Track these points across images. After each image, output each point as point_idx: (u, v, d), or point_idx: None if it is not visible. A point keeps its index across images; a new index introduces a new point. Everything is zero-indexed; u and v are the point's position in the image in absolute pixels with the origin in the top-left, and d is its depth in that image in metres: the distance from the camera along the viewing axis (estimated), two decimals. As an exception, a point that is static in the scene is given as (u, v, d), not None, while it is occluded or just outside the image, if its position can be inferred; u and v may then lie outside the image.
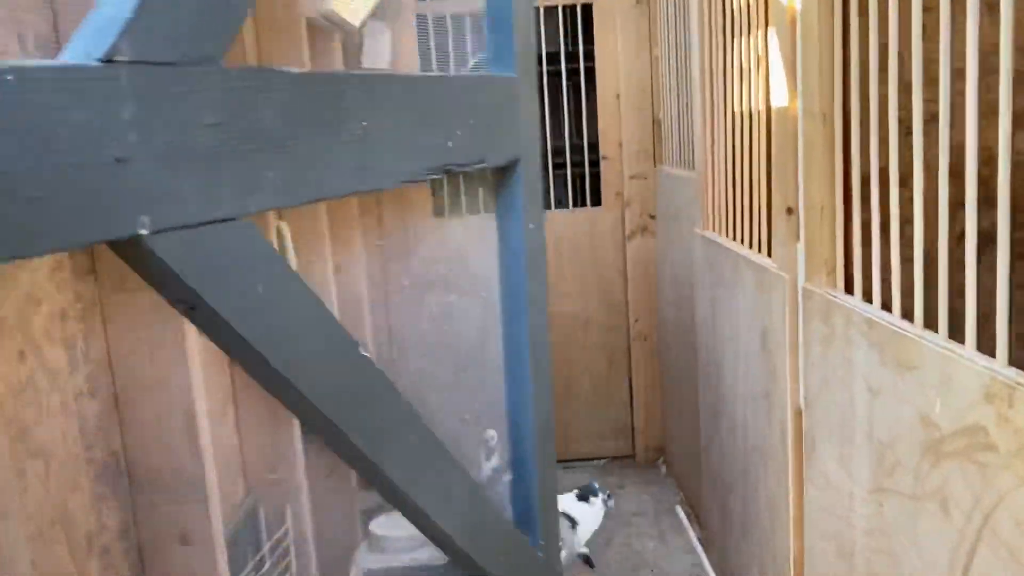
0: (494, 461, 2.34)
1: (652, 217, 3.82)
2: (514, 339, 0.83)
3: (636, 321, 3.95)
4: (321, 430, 0.74)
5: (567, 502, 2.36)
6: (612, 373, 4.04)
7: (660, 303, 3.80)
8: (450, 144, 0.96)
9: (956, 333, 1.26)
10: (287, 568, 2.02)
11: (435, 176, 0.92)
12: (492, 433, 2.37)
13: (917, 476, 1.31)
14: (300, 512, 2.06)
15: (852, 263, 1.64)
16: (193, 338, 1.37)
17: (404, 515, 0.66)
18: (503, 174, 1.18)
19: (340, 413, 0.73)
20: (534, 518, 0.83)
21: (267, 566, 1.92)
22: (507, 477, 2.42)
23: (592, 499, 2.36)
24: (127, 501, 1.38)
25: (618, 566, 3.03)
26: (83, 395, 1.26)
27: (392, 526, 2.52)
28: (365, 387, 0.79)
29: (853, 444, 1.56)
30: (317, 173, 0.74)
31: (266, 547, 1.93)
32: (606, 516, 2.40)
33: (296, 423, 1.96)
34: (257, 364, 0.69)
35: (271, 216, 1.94)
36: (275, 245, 1.93)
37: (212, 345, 1.77)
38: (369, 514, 2.87)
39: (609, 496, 2.32)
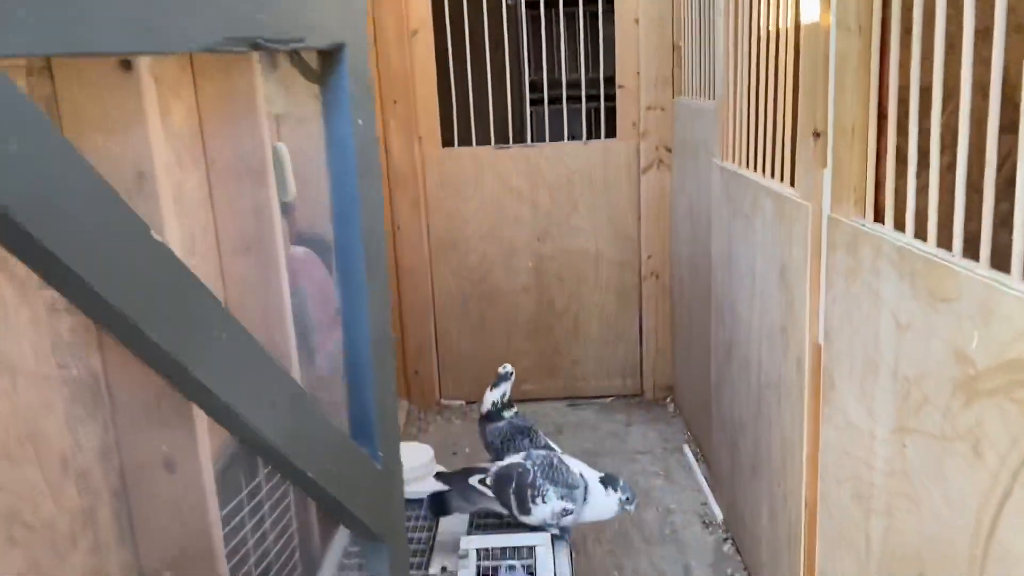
0: (499, 392, 2.27)
1: (668, 150, 3.68)
2: (346, 243, 0.72)
3: (649, 258, 3.85)
4: (107, 319, 0.63)
5: (589, 475, 2.15)
6: (622, 310, 3.96)
7: (674, 239, 3.69)
8: (260, 16, 0.84)
9: (999, 265, 1.16)
10: (284, 495, 1.98)
11: (240, 49, 0.80)
12: (508, 368, 2.30)
13: (947, 415, 1.23)
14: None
15: (883, 189, 1.53)
16: (177, 250, 1.28)
17: (221, 423, 0.56)
18: (328, 62, 1.06)
19: (127, 300, 0.62)
20: (372, 429, 0.75)
21: (263, 493, 1.87)
22: (511, 411, 2.36)
23: (609, 491, 2.13)
24: (108, 423, 1.31)
25: (623, 503, 2.99)
26: (56, 310, 1.18)
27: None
28: (159, 274, 0.68)
29: (876, 381, 1.47)
30: (86, 23, 0.62)
31: (262, 474, 1.88)
32: (616, 515, 2.14)
33: (293, 339, 1.88)
34: (12, 234, 0.58)
35: (267, 132, 1.83)
36: (271, 166, 1.83)
37: (203, 258, 1.67)
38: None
39: (629, 500, 2.08)
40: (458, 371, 4.03)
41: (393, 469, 0.76)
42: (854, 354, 1.57)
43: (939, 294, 1.24)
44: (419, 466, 2.45)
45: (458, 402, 4.04)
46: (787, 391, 1.97)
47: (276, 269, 1.92)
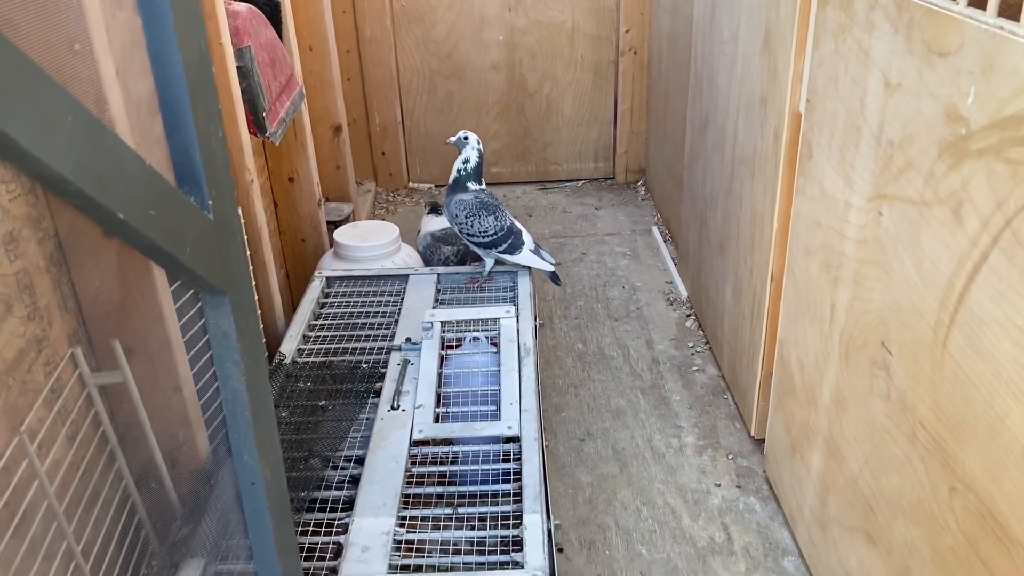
0: (461, 159, 2.19)
1: (652, -92, 3.36)
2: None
3: (627, 32, 3.63)
4: None
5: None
6: (597, 90, 3.79)
7: (654, 10, 3.46)
8: None
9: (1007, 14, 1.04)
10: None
11: None
12: (455, 137, 2.19)
13: (929, 180, 1.16)
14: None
15: (887, -65, 1.37)
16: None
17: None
18: None
19: None
20: (198, 175, 0.68)
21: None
22: (479, 185, 2.28)
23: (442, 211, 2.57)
24: (36, 188, 1.21)
25: (590, 281, 3.01)
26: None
27: (353, 236, 2.42)
28: None
29: (857, 148, 1.39)
30: None
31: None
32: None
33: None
34: None
35: None
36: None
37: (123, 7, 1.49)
38: (334, 224, 2.76)
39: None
40: (426, 153, 3.90)
41: (228, 219, 0.70)
42: (836, 121, 1.48)
43: (937, 47, 1.13)
44: (385, 243, 2.40)
45: (426, 185, 3.95)
46: (762, 165, 1.89)
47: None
